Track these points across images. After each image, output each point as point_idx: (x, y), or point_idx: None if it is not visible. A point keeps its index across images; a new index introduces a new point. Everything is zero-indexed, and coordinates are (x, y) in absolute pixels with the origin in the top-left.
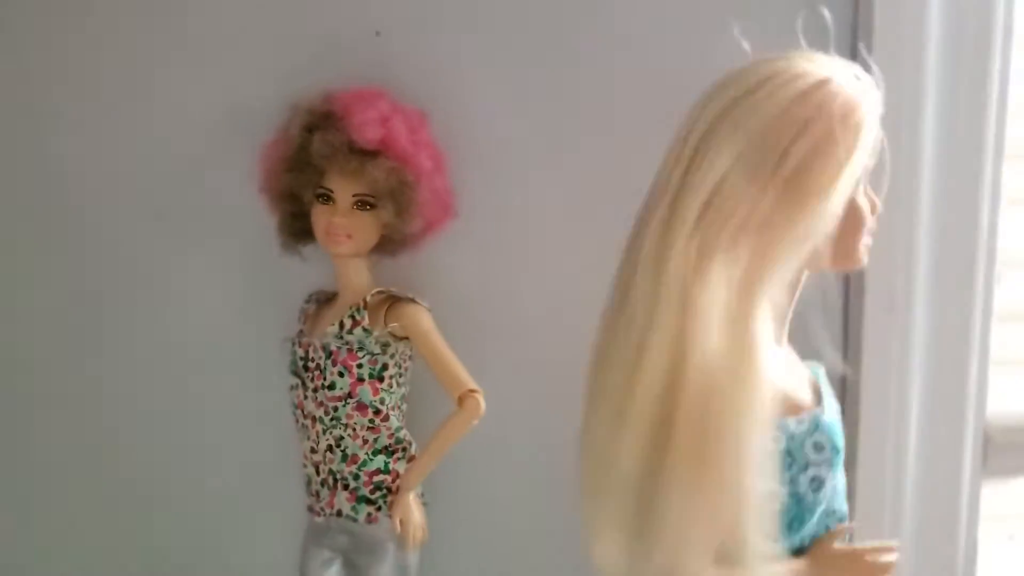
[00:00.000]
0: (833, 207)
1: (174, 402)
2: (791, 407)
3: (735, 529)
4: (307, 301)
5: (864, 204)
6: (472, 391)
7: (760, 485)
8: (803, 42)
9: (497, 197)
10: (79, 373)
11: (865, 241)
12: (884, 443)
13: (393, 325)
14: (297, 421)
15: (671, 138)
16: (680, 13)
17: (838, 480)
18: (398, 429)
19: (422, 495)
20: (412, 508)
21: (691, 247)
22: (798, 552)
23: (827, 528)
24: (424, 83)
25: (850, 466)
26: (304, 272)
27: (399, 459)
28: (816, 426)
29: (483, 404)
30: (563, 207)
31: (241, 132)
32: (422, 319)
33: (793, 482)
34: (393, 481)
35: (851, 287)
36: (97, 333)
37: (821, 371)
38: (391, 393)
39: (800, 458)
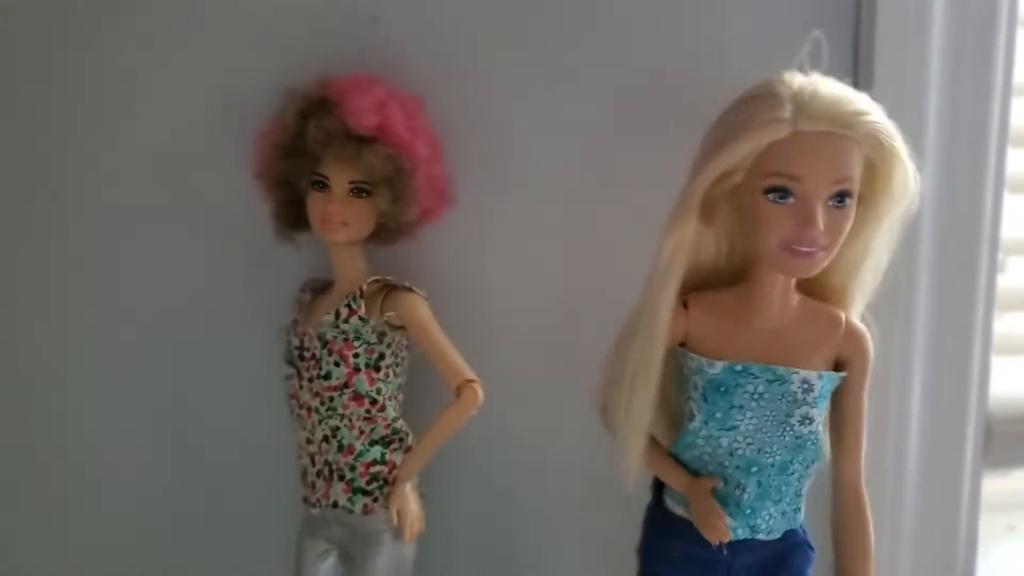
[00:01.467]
0: (710, 167)
1: (167, 392)
2: (706, 352)
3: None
4: (302, 290)
5: (773, 209)
6: (470, 381)
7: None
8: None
9: (495, 185)
10: (68, 362)
11: (782, 250)
12: (886, 433)
13: (389, 314)
14: (292, 411)
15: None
16: (683, 10)
17: (720, 440)
18: (395, 419)
19: (420, 487)
20: (409, 499)
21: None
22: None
23: (709, 472)
24: (421, 69)
25: None
26: (298, 260)
27: (396, 450)
28: (699, 370)
29: (481, 394)
30: (561, 195)
31: (235, 118)
32: (419, 308)
33: (686, 403)
34: (390, 472)
35: None
36: (86, 322)
37: (821, 381)
38: (387, 383)
39: (689, 389)
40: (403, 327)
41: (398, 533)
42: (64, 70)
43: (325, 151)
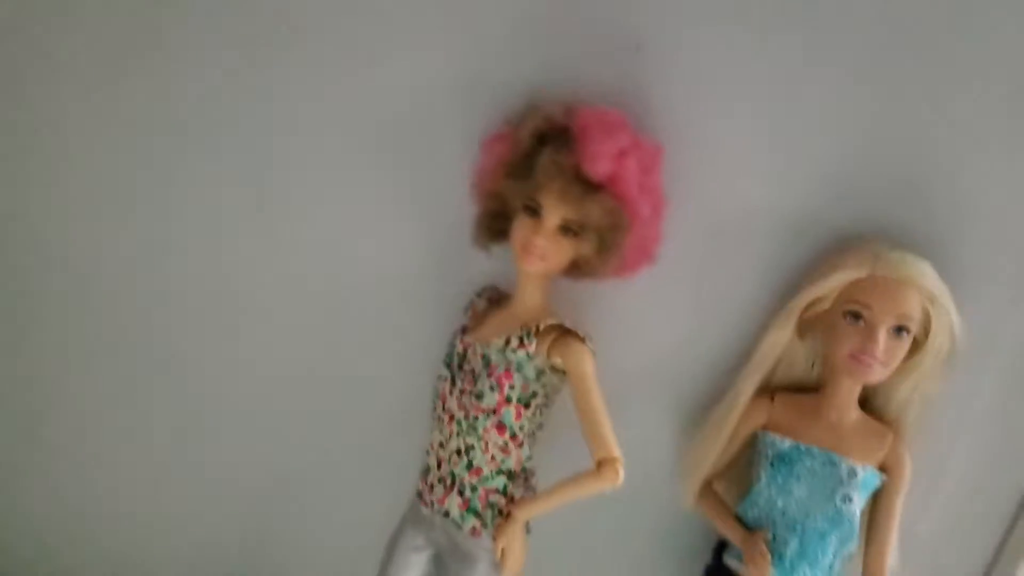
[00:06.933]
0: None
1: (324, 357)
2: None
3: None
4: (479, 295)
5: (848, 327)
6: (615, 459)
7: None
8: None
9: (702, 254)
10: (241, 319)
11: (850, 358)
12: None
13: (557, 360)
14: (435, 410)
15: None
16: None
17: (777, 500)
18: (528, 458)
19: (527, 523)
20: (517, 538)
21: None
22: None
23: (762, 527)
24: (671, 109)
25: None
26: (488, 265)
27: (519, 485)
28: (772, 444)
29: (622, 475)
30: (769, 285)
31: (472, 111)
32: (586, 363)
33: (756, 472)
34: (507, 504)
35: None
36: (267, 279)
37: (864, 472)
38: (532, 420)
39: (761, 460)
40: (564, 372)
41: (496, 565)
42: (318, 22)
43: (550, 183)
